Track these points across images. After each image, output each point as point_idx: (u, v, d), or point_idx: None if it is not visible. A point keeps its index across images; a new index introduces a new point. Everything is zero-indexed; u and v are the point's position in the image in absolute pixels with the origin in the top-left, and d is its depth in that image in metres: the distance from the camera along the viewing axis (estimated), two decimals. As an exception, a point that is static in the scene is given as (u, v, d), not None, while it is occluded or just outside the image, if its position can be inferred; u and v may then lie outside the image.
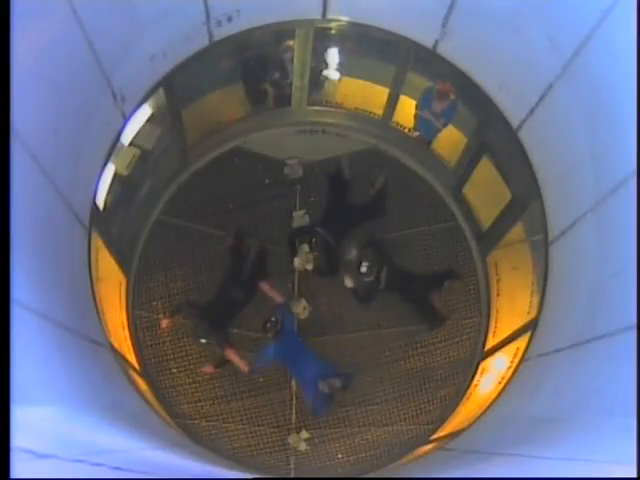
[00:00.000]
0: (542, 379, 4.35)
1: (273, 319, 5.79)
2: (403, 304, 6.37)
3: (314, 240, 6.40)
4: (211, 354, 6.21)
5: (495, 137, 5.47)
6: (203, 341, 6.06)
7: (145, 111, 5.14)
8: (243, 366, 6.07)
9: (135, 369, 5.76)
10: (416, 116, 6.26)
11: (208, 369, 6.21)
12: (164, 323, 6.18)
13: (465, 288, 6.54)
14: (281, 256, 6.55)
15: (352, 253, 6.24)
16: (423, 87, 6.00)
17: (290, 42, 5.76)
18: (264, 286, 6.23)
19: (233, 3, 4.74)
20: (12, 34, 2.59)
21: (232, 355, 6.05)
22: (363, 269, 6.08)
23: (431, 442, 6.07)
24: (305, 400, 6.07)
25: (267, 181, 6.80)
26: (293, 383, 6.26)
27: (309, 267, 6.47)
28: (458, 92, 5.71)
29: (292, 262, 6.46)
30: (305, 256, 6.47)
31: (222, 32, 4.94)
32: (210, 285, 6.39)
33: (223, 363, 6.18)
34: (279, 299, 6.20)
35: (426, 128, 6.32)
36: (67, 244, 4.10)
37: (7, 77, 2.62)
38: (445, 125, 6.13)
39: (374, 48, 5.84)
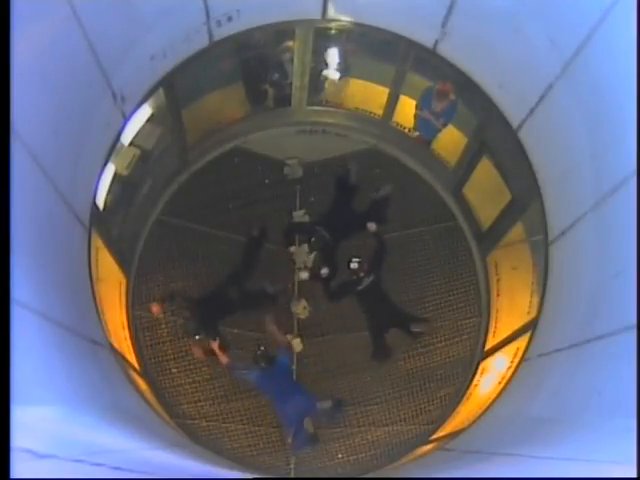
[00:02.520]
0: (542, 379, 4.35)
1: (262, 348, 5.78)
2: (366, 321, 6.32)
3: (313, 239, 6.40)
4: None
5: (495, 137, 5.47)
6: (197, 337, 6.05)
7: (145, 111, 5.14)
8: (223, 357, 5.95)
9: (135, 369, 5.76)
10: (416, 116, 6.26)
11: (197, 353, 6.16)
12: (155, 308, 6.14)
13: (464, 290, 6.54)
14: (281, 256, 6.55)
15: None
16: (423, 87, 6.00)
17: (290, 42, 5.77)
18: (270, 323, 6.18)
19: (233, 3, 4.74)
20: (12, 34, 2.58)
21: (214, 345, 5.97)
22: (353, 264, 6.07)
23: (431, 442, 6.07)
24: (285, 434, 6.02)
25: (267, 181, 6.81)
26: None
27: (308, 264, 6.48)
28: (458, 92, 5.72)
29: (289, 252, 6.51)
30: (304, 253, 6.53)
31: (222, 32, 4.94)
32: (210, 285, 6.39)
33: (213, 352, 6.07)
34: (281, 339, 6.15)
35: (426, 128, 6.32)
36: (67, 244, 4.10)
37: (7, 77, 2.62)
38: (445, 125, 6.13)
39: (374, 48, 5.85)
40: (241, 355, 6.12)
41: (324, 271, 6.33)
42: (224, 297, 6.16)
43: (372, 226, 6.34)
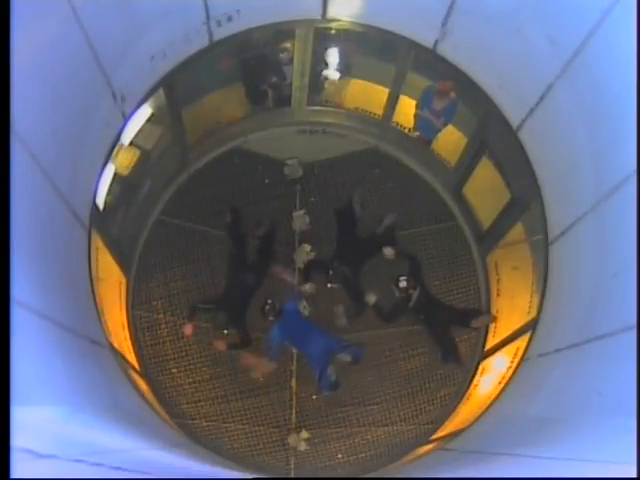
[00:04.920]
0: (542, 379, 4.35)
1: (270, 302, 5.92)
2: (426, 329, 6.38)
3: (331, 273, 6.43)
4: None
5: (495, 137, 5.47)
6: (226, 332, 6.14)
7: (145, 111, 5.13)
8: (259, 371, 6.05)
9: (135, 369, 5.76)
10: (416, 115, 6.26)
11: (220, 345, 6.17)
12: (188, 330, 6.17)
13: (464, 290, 6.51)
14: (281, 256, 6.55)
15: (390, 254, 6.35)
16: (423, 87, 6.00)
17: (290, 42, 5.76)
18: (277, 270, 6.23)
19: (233, 3, 4.74)
20: (12, 34, 2.58)
21: (249, 359, 6.05)
22: (402, 283, 6.16)
23: (431, 442, 6.07)
24: (313, 374, 6.07)
25: (267, 181, 6.81)
26: (293, 383, 6.27)
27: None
28: (458, 92, 5.71)
29: (304, 288, 6.42)
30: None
31: (222, 32, 4.94)
32: (210, 284, 6.40)
33: (236, 346, 6.15)
34: (291, 280, 6.20)
35: (426, 128, 6.31)
36: (67, 244, 4.10)
37: (7, 77, 2.62)
38: (445, 124, 6.12)
39: (374, 48, 5.84)
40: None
41: (371, 298, 6.34)
42: (242, 285, 6.20)
43: (389, 252, 6.37)
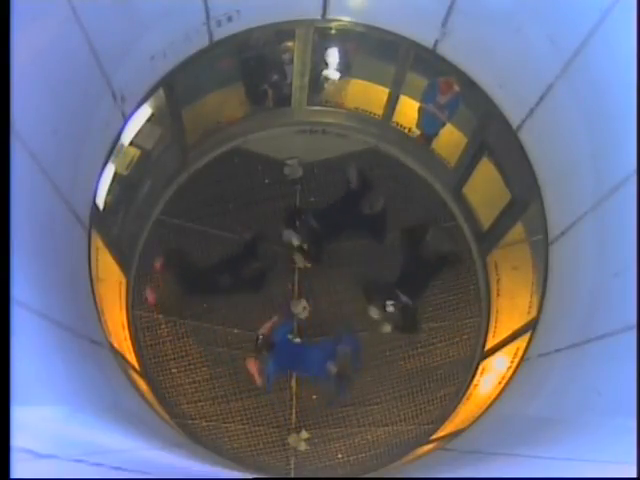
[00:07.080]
0: (542, 379, 4.35)
1: (260, 337, 5.77)
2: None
3: (298, 224, 6.44)
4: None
5: (495, 137, 5.47)
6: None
7: (145, 111, 5.14)
8: (258, 380, 5.97)
9: (135, 369, 5.76)
10: (420, 109, 6.24)
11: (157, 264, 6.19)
12: (150, 296, 6.20)
13: (464, 290, 6.51)
14: (281, 256, 6.55)
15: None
16: (425, 84, 5.98)
17: (290, 42, 5.77)
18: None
19: (233, 3, 4.75)
20: (12, 34, 2.58)
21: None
22: (389, 308, 6.24)
23: (431, 442, 6.07)
24: (326, 393, 6.06)
25: (267, 181, 6.81)
26: (293, 383, 6.27)
27: (302, 262, 6.49)
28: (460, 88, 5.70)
29: (282, 236, 6.49)
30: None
31: (222, 32, 4.95)
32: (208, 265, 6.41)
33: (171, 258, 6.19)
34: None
35: (431, 122, 6.29)
36: (67, 244, 4.10)
37: (7, 77, 2.62)
38: (449, 118, 6.09)
39: (374, 48, 5.85)
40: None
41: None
42: (216, 278, 6.21)
43: (375, 313, 6.42)
